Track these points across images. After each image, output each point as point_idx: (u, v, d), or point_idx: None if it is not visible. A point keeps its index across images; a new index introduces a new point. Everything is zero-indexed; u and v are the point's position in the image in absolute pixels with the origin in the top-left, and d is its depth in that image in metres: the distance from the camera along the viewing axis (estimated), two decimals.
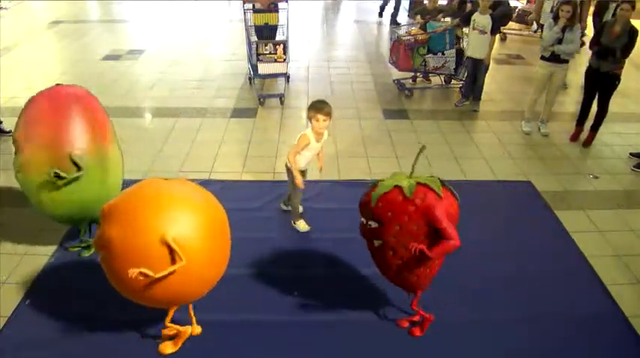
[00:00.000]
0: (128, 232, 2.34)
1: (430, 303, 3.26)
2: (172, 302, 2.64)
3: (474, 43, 6.16)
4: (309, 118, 3.56)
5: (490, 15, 6.01)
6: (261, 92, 6.68)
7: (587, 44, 5.40)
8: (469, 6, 7.04)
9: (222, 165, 4.94)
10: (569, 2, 5.21)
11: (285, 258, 3.66)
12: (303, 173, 3.81)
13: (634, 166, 5.08)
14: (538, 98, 5.76)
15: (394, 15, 10.21)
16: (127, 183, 3.07)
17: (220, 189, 4.39)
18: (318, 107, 3.50)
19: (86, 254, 3.62)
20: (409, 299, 2.99)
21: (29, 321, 3.08)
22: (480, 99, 6.41)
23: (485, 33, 6.02)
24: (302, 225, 3.96)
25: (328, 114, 3.52)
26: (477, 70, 6.26)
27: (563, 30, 5.25)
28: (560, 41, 5.29)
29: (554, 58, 5.41)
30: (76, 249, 3.65)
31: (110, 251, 2.40)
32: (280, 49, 6.23)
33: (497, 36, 6.76)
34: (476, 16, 6.06)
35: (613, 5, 6.66)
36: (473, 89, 6.40)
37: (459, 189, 2.69)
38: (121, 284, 2.48)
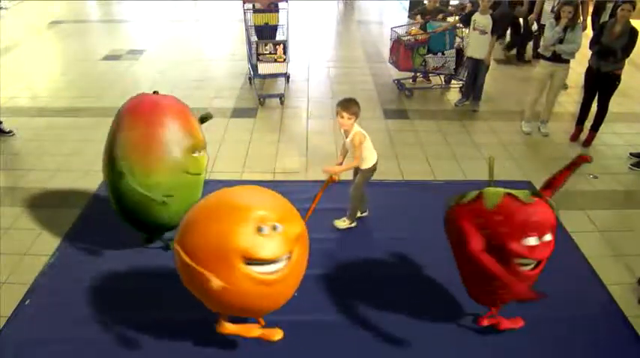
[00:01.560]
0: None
1: (430, 303, 3.27)
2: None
3: (474, 43, 6.16)
4: (336, 113, 3.64)
5: (490, 15, 6.01)
6: (261, 92, 6.68)
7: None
8: (469, 6, 7.04)
9: (222, 165, 4.94)
10: (571, 2, 5.21)
11: None
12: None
13: (632, 164, 5.08)
14: (539, 98, 5.76)
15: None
16: None
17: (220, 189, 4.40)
18: (344, 105, 3.59)
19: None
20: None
21: (29, 321, 3.08)
22: (479, 99, 6.41)
23: (486, 33, 6.01)
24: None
25: (353, 114, 3.57)
26: (477, 70, 6.26)
27: (565, 30, 5.25)
28: (561, 41, 5.29)
29: (555, 58, 5.41)
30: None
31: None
32: (280, 49, 6.23)
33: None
34: (476, 16, 6.06)
35: (610, 5, 6.65)
36: (473, 89, 6.40)
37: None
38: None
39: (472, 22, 6.08)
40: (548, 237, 2.45)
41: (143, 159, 3.11)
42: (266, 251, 2.28)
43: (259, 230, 2.27)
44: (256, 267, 2.31)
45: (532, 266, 2.51)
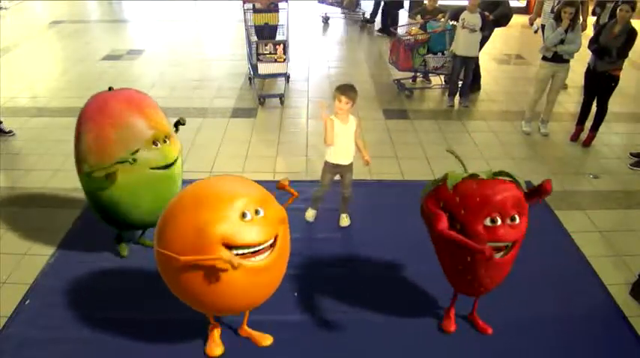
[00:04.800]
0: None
1: (430, 303, 3.27)
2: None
3: (463, 42, 6.16)
4: (334, 98, 3.71)
5: (492, 14, 6.01)
6: (261, 92, 6.68)
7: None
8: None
9: (222, 165, 4.94)
10: (572, 3, 5.21)
11: None
12: (342, 167, 3.85)
13: (631, 164, 5.09)
14: (539, 98, 5.76)
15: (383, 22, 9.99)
16: None
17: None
18: (343, 89, 3.67)
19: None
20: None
21: (29, 321, 3.08)
22: (468, 94, 6.46)
23: (475, 31, 6.03)
24: (308, 214, 4.09)
25: (351, 99, 3.64)
26: (466, 67, 6.30)
27: (565, 30, 5.25)
28: (562, 41, 5.29)
29: (556, 58, 5.41)
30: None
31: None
32: (280, 49, 6.23)
33: None
34: (465, 15, 6.06)
35: (610, 5, 6.64)
36: (462, 86, 6.44)
37: None
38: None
39: (461, 21, 6.09)
40: (512, 220, 2.38)
41: (100, 163, 3.03)
42: (250, 235, 2.23)
43: (243, 216, 2.22)
44: (239, 251, 2.24)
45: (502, 252, 2.45)
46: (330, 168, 3.86)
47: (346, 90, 3.65)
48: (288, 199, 2.59)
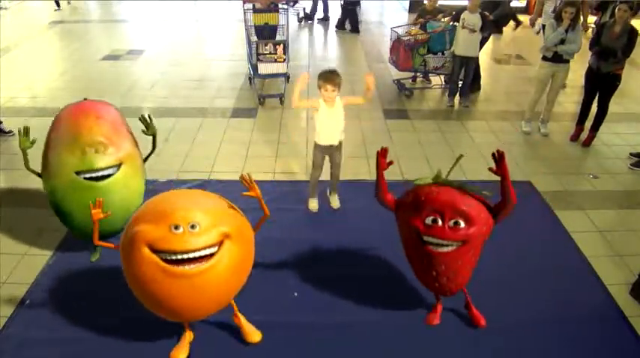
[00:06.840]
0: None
1: (428, 303, 3.27)
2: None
3: (463, 42, 6.17)
4: (319, 87, 3.71)
5: (492, 14, 6.01)
6: (261, 92, 6.68)
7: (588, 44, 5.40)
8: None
9: (222, 165, 4.94)
10: (573, 3, 5.21)
11: (285, 258, 3.66)
12: (331, 147, 3.93)
13: (632, 164, 5.09)
14: (539, 98, 5.76)
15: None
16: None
17: (220, 189, 4.39)
18: (327, 77, 3.67)
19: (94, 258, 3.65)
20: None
21: (29, 321, 3.08)
22: (469, 94, 6.45)
23: (475, 31, 6.04)
24: (311, 204, 4.13)
25: (337, 85, 3.66)
26: (467, 67, 6.30)
27: (566, 30, 5.26)
28: (562, 41, 5.30)
29: (556, 58, 5.42)
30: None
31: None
32: (280, 49, 6.24)
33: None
34: (465, 15, 6.06)
35: (611, 6, 6.66)
36: (462, 86, 6.44)
37: None
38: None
39: (461, 21, 6.09)
40: (455, 224, 2.59)
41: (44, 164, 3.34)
42: (177, 244, 2.29)
43: (175, 228, 2.30)
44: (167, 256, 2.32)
45: (448, 247, 2.63)
46: (320, 149, 3.95)
47: (331, 77, 3.65)
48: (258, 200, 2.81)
